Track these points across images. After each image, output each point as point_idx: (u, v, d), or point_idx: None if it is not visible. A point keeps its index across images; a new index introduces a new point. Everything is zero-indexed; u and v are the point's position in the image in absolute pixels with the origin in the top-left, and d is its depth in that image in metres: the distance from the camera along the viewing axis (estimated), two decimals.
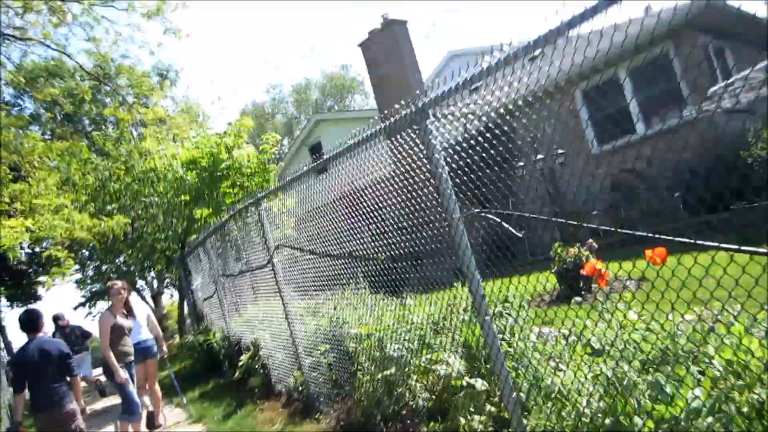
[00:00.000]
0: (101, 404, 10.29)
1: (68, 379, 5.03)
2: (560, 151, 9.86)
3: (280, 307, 5.84)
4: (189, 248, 10.71)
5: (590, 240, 6.33)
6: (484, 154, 2.97)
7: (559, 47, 2.25)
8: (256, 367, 6.98)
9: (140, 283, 23.84)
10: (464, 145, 3.06)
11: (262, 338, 6.93)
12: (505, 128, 3.02)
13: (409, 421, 3.83)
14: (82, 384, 8.36)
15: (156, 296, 25.10)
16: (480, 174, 2.97)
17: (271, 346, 6.60)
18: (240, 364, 7.30)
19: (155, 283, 24.01)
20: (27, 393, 4.89)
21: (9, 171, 9.36)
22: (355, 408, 4.46)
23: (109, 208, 11.77)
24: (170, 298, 27.69)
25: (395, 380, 4.02)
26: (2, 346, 14.00)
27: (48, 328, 9.07)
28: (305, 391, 5.52)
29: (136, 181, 11.74)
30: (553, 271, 6.33)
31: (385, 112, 3.28)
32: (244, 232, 6.91)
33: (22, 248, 10.79)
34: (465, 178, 3.00)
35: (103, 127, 21.58)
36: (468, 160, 3.01)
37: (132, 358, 6.13)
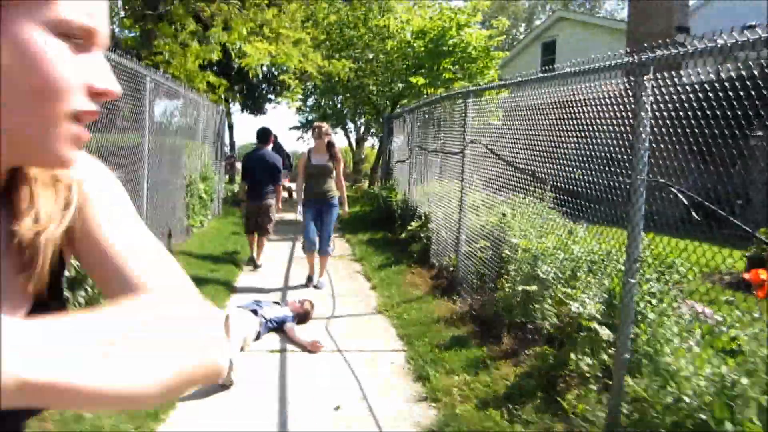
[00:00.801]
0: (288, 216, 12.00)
1: (272, 186, 7.24)
2: None
3: (457, 194, 6.24)
4: (398, 110, 11.37)
5: None
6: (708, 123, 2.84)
7: None
8: (421, 235, 7.64)
9: (350, 125, 25.74)
10: (682, 112, 2.97)
11: (434, 213, 7.48)
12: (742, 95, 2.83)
13: (529, 336, 4.14)
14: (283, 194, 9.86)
15: (359, 140, 27.08)
16: (698, 141, 2.88)
17: (439, 223, 7.13)
18: (409, 228, 8.02)
19: (362, 129, 25.78)
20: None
21: None
22: (489, 305, 4.85)
23: (339, 54, 12.68)
24: (371, 146, 29.66)
25: (533, 297, 4.29)
26: (228, 143, 16.56)
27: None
28: (453, 273, 6.03)
29: (369, 34, 12.40)
30: (748, 254, 5.87)
31: (620, 51, 3.24)
32: (448, 116, 7.23)
33: (262, 68, 12.24)
34: (670, 140, 2.95)
35: None
36: (683, 128, 2.94)
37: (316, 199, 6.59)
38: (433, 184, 8.01)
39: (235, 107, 24.55)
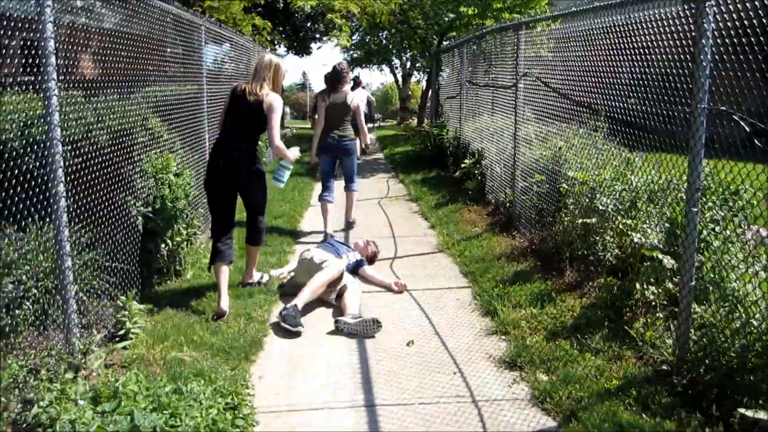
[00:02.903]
0: None
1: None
2: None
3: (511, 128, 6.23)
4: (446, 44, 11.16)
5: None
6: None
7: None
8: (476, 172, 7.69)
9: (395, 61, 25.35)
10: (745, 39, 2.89)
11: (487, 149, 7.49)
12: None
13: (591, 268, 4.23)
14: None
15: (405, 76, 26.72)
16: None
17: (493, 159, 7.16)
18: (463, 165, 8.07)
19: (408, 65, 25.37)
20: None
21: None
22: (549, 239, 4.94)
23: None
24: (417, 82, 29.24)
25: (593, 229, 4.35)
26: None
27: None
28: (511, 209, 6.11)
29: None
30: None
31: None
32: (500, 50, 7.11)
33: (307, 6, 12.14)
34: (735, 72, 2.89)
35: None
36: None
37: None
38: (485, 119, 7.98)
39: (281, 49, 24.54)
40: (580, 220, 4.44)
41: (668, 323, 3.25)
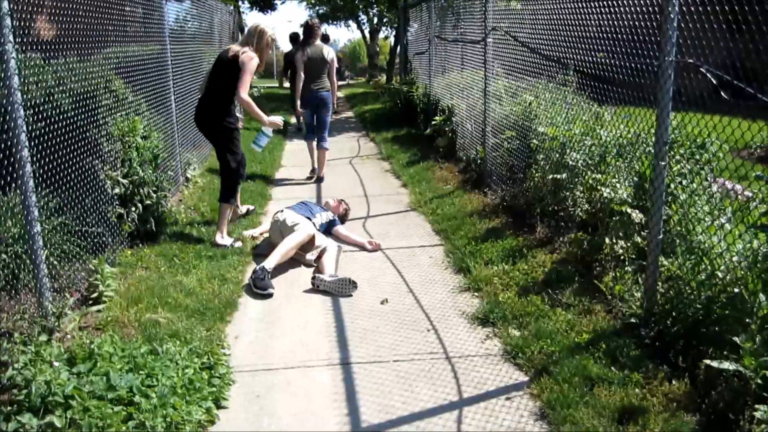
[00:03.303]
0: None
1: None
2: None
3: (481, 83, 6.20)
4: None
5: None
6: None
7: None
8: (446, 129, 7.67)
9: (362, 17, 24.83)
10: None
11: (458, 106, 7.46)
12: None
13: (562, 224, 4.30)
14: None
15: (373, 32, 26.23)
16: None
17: (464, 115, 7.14)
18: (433, 123, 8.04)
19: (375, 20, 24.88)
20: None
21: None
22: (520, 195, 4.99)
23: None
24: (385, 38, 28.76)
25: (563, 185, 4.41)
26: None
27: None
28: (482, 166, 6.14)
29: None
30: None
31: None
32: (468, 3, 7.01)
33: None
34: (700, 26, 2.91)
35: None
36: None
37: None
38: (454, 75, 7.92)
39: (245, 5, 23.79)
40: (550, 176, 4.49)
41: (637, 277, 3.34)
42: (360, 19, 25.54)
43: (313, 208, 4.97)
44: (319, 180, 7.15)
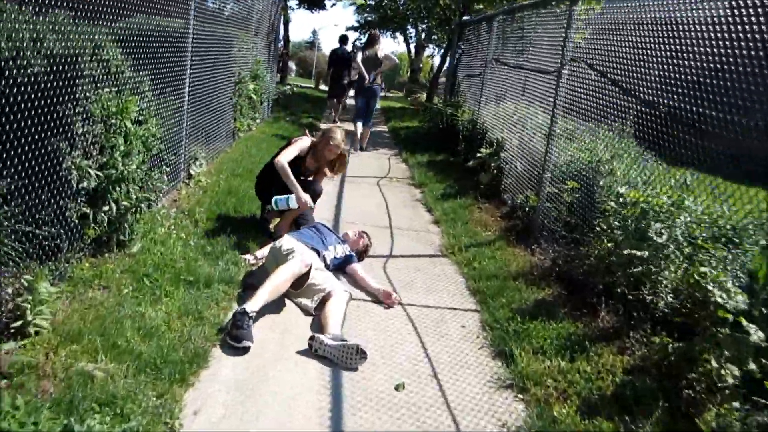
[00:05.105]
0: None
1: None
2: None
3: (545, 121, 5.31)
4: (472, 17, 10.12)
5: None
6: None
7: None
8: (492, 165, 6.75)
9: (411, 30, 24.16)
10: None
11: (509, 141, 6.55)
12: None
13: (635, 313, 3.37)
14: None
15: (419, 47, 25.52)
16: None
17: (515, 152, 6.23)
18: (479, 155, 7.11)
19: (423, 35, 24.19)
20: None
21: None
22: (579, 263, 4.07)
23: None
24: (429, 56, 28.06)
25: (642, 263, 3.48)
26: (281, 39, 16.11)
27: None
28: (532, 216, 5.22)
29: None
30: None
31: None
32: (539, 26, 6.13)
33: None
34: None
35: None
36: None
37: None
38: (510, 105, 7.02)
39: (293, 3, 23.28)
40: (627, 250, 3.56)
41: (751, 419, 2.40)
42: (408, 32, 24.83)
43: (327, 237, 4.10)
44: (362, 150, 9.33)
